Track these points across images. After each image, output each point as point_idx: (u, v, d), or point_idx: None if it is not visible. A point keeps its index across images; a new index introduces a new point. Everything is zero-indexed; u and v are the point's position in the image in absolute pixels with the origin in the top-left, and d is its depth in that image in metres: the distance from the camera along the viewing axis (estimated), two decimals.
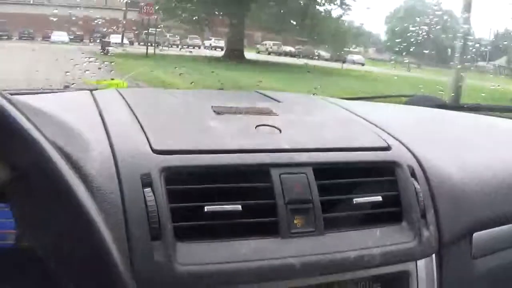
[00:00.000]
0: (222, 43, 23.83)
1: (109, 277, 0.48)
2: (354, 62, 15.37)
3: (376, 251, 0.92)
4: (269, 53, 20.62)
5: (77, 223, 0.47)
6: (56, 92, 1.33)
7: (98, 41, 9.39)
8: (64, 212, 0.48)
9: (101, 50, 8.48)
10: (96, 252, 0.47)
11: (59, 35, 10.13)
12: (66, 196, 0.47)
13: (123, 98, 1.11)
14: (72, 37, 9.86)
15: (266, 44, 23.37)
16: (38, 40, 10.21)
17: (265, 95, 1.33)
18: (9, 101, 0.49)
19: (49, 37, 9.88)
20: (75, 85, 1.52)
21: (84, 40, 9.80)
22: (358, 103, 1.47)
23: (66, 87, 1.51)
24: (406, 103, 1.62)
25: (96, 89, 1.27)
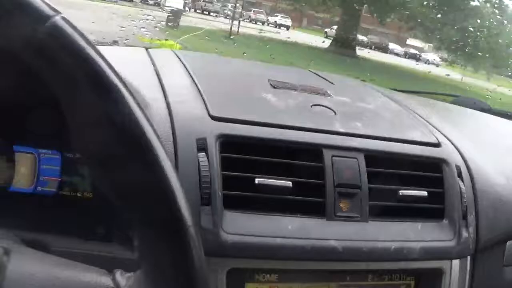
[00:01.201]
0: (289, 21, 22.74)
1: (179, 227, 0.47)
2: None
3: (416, 245, 0.92)
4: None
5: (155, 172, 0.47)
6: (108, 45, 1.33)
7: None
8: (141, 159, 0.47)
9: (168, 23, 7.50)
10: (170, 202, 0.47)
11: None
12: (145, 143, 0.46)
13: (180, 59, 1.10)
14: None
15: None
16: None
17: (318, 74, 1.32)
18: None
19: None
20: (129, 41, 1.51)
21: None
22: (407, 96, 1.45)
23: (115, 42, 1.51)
24: (451, 102, 1.60)
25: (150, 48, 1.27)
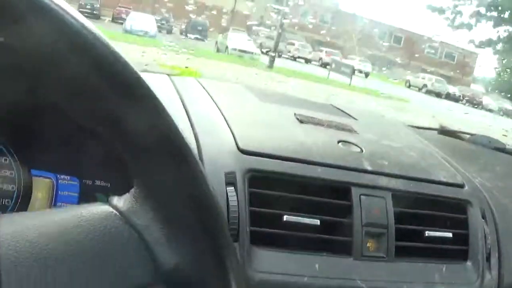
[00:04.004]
0: (369, 67, 18.87)
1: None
2: None
3: (440, 287, 0.89)
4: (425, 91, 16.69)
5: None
6: None
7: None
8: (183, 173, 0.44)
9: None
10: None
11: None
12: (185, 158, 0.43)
13: (204, 88, 1.08)
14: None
15: (424, 78, 18.65)
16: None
17: (341, 110, 1.30)
18: None
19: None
20: (147, 66, 1.48)
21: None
22: (428, 133, 1.44)
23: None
24: (467, 140, 1.58)
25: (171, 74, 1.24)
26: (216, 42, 17.12)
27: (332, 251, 0.83)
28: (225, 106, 0.98)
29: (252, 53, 15.18)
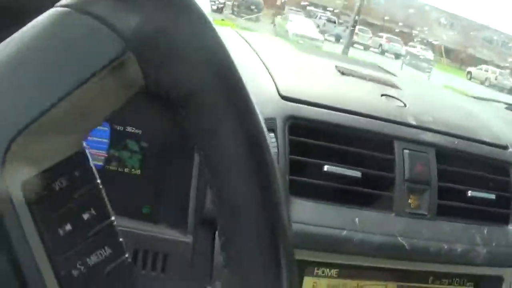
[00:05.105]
0: (430, 55, 17.18)
1: None
2: None
3: (482, 249, 0.85)
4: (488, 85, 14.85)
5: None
6: None
7: None
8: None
9: None
10: None
11: None
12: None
13: (244, 39, 1.04)
14: None
15: (488, 71, 16.82)
16: None
17: (383, 68, 1.25)
18: None
19: None
20: None
21: None
22: (472, 100, 1.38)
23: None
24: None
25: None
26: (274, 25, 15.83)
27: (373, 205, 0.79)
28: (265, 55, 0.93)
29: (317, 39, 14.10)
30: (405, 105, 0.91)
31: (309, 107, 0.79)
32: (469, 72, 17.23)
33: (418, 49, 17.56)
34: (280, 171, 0.38)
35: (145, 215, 0.78)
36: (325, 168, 0.76)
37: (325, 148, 0.77)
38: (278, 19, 16.01)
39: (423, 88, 1.18)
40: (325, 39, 15.11)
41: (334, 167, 0.76)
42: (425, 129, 0.86)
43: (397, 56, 17.39)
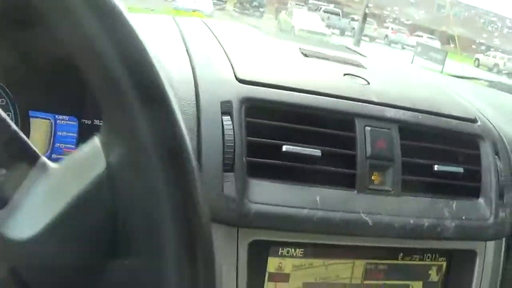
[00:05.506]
0: (437, 44, 16.55)
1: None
2: None
3: (450, 223, 0.84)
4: (496, 71, 14.38)
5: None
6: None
7: None
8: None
9: None
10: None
11: None
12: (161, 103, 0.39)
13: (208, 27, 1.04)
14: None
15: (496, 57, 16.20)
16: None
17: (352, 49, 1.25)
18: None
19: None
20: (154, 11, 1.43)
21: None
22: (444, 77, 1.38)
23: None
24: (488, 87, 1.52)
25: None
26: (279, 21, 15.69)
27: (335, 184, 0.79)
28: (226, 41, 0.93)
29: (324, 34, 13.90)
30: (368, 83, 0.91)
31: (266, 88, 0.79)
32: (477, 59, 16.91)
33: (425, 39, 17.22)
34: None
35: None
36: (284, 148, 0.76)
37: (284, 128, 0.77)
38: (283, 15, 15.87)
39: (392, 67, 1.17)
40: (332, 33, 14.86)
41: (293, 147, 0.76)
42: (388, 106, 0.86)
43: (403, 46, 17.12)
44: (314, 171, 0.78)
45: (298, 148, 0.76)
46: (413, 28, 19.37)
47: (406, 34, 18.48)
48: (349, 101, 0.83)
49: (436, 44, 17.15)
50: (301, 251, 0.78)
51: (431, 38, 17.91)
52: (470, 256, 0.90)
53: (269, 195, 0.74)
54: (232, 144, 0.72)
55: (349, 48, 1.24)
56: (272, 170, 0.76)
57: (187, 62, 0.83)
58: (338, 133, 0.80)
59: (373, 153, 0.80)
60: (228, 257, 0.73)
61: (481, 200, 0.89)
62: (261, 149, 0.75)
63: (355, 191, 0.79)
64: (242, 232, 0.73)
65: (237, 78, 0.79)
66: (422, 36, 17.90)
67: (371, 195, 0.80)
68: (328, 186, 0.78)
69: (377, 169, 0.81)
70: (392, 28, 19.02)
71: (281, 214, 0.73)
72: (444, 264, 0.89)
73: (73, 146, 0.92)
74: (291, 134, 0.78)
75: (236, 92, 0.77)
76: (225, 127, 0.73)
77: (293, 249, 0.78)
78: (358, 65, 0.99)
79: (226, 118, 0.74)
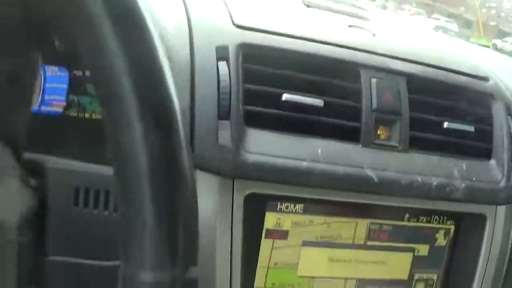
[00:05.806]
0: (455, 27, 16.89)
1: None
2: None
3: (460, 183, 0.80)
4: None
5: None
6: None
7: None
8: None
9: None
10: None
11: None
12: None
13: None
14: None
15: None
16: None
17: (355, 5, 1.19)
18: None
19: None
20: None
21: None
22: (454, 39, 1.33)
23: None
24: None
25: None
26: None
27: (338, 136, 0.74)
28: None
29: None
30: (374, 35, 0.86)
31: (266, 34, 0.74)
32: (494, 44, 16.78)
33: (443, 21, 17.24)
34: None
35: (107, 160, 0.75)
36: (284, 97, 0.71)
37: (284, 76, 0.72)
38: None
39: (399, 21, 1.12)
40: None
41: (293, 96, 0.72)
42: (396, 58, 0.81)
43: None
44: (316, 123, 0.73)
45: (299, 97, 0.71)
46: (431, 10, 19.12)
47: (424, 16, 18.25)
48: (354, 51, 0.78)
49: (454, 27, 17.08)
50: (301, 206, 0.74)
51: (449, 21, 17.70)
52: (479, 221, 0.86)
53: (267, 145, 0.69)
54: (228, 91, 0.68)
55: (352, 3, 1.18)
56: (271, 120, 0.71)
57: (183, 11, 0.78)
58: (342, 83, 0.75)
59: (379, 106, 0.75)
60: (223, 211, 0.69)
61: (492, 162, 0.84)
62: (260, 97, 0.71)
63: (360, 145, 0.74)
64: (238, 184, 0.69)
65: (234, 24, 0.74)
66: (439, 19, 17.69)
67: (376, 150, 0.75)
68: (330, 139, 0.73)
69: (383, 123, 0.76)
70: (409, 10, 18.79)
71: (279, 165, 0.68)
72: (452, 228, 0.85)
73: (63, 98, 0.88)
74: (292, 83, 0.73)
75: (233, 37, 0.72)
76: (220, 72, 0.68)
77: (292, 205, 0.73)
78: (364, 18, 0.94)
79: (222, 63, 0.69)
